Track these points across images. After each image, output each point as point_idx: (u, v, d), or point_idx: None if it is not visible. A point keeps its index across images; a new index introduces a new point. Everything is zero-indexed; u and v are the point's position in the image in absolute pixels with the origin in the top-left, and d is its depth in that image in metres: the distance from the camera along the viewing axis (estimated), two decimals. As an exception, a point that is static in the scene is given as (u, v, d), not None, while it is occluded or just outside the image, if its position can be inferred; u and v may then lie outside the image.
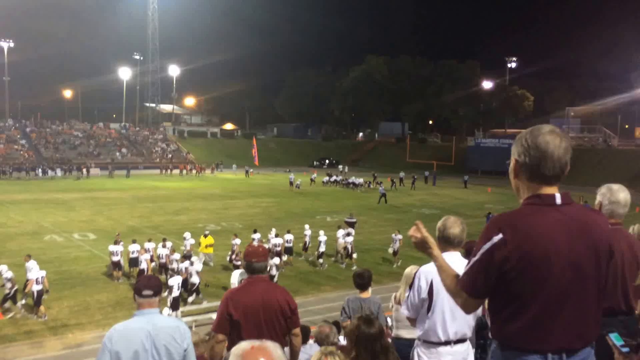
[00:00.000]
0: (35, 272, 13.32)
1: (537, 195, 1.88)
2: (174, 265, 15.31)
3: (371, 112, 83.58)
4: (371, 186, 44.14)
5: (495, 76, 74.85)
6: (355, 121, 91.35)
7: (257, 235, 18.53)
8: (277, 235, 18.75)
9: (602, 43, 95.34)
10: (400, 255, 18.98)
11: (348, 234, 19.34)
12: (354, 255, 18.84)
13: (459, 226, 3.25)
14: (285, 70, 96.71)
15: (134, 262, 16.21)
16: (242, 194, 38.87)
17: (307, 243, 19.75)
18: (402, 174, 48.25)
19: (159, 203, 32.48)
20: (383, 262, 19.27)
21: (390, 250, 19.44)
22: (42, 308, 13.07)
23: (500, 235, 1.79)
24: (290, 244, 18.74)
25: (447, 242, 3.24)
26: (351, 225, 22.32)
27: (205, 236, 18.41)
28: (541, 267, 1.78)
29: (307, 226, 20.35)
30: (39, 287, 13.12)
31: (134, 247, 16.39)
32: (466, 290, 1.91)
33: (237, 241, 17.58)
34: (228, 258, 17.78)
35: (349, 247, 18.77)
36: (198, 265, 14.69)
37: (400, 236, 19.11)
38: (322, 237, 18.67)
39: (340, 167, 61.31)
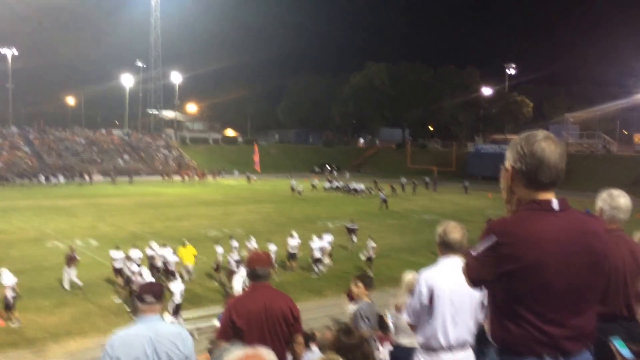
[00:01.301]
0: (9, 278, 13.19)
1: (534, 201, 1.90)
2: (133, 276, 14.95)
3: (372, 118, 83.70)
4: (372, 192, 44.14)
5: (495, 83, 75.12)
6: (356, 127, 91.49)
7: (235, 243, 18.12)
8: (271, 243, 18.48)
9: (600, 49, 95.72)
10: (397, 258, 18.87)
11: (320, 238, 19.21)
12: (325, 261, 18.90)
13: (459, 231, 3.27)
14: (286, 76, 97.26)
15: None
16: (244, 200, 38.86)
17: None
18: (403, 180, 48.20)
19: (161, 209, 32.47)
20: (384, 267, 19.20)
21: (363, 258, 19.13)
22: (15, 313, 13.03)
23: (497, 240, 1.82)
24: (294, 250, 18.71)
25: (447, 247, 3.26)
26: (352, 231, 22.31)
27: (185, 245, 17.39)
28: (538, 272, 1.80)
29: (293, 232, 20.02)
30: (14, 293, 13.05)
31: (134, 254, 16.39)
32: (469, 277, 1.97)
33: (220, 249, 17.49)
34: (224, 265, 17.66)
35: (319, 253, 18.55)
36: (148, 277, 14.17)
37: (374, 244, 18.90)
38: (316, 244, 18.56)
39: (335, 172, 61.83)
